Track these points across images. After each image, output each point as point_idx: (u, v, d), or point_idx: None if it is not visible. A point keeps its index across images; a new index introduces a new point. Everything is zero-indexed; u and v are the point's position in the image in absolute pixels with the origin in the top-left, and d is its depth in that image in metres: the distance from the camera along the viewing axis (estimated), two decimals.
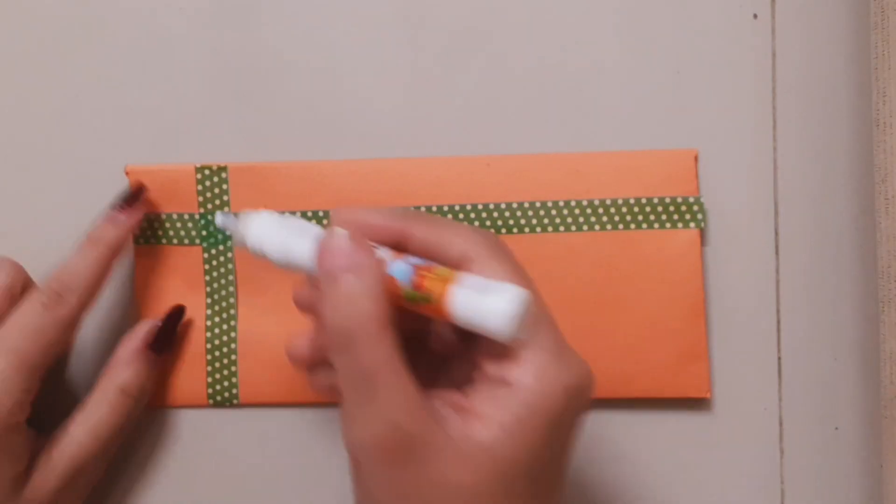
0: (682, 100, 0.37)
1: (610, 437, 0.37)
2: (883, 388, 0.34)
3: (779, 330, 0.37)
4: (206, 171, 0.36)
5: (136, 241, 0.37)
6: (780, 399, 0.37)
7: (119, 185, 0.37)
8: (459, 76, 0.38)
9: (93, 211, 0.37)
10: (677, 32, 0.37)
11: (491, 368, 0.27)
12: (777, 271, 0.38)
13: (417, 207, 0.36)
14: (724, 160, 0.37)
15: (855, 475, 0.37)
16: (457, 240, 0.28)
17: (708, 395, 0.36)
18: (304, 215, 0.36)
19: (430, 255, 0.29)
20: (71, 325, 0.33)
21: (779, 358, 0.37)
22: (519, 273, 0.28)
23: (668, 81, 0.37)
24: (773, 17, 0.38)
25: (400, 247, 0.29)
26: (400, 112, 0.38)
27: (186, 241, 0.37)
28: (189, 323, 0.37)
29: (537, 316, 0.27)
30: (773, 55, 0.38)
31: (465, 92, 0.38)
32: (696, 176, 0.36)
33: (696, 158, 0.36)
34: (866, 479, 0.37)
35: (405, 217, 0.29)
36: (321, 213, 0.36)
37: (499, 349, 0.27)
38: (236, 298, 0.37)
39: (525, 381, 0.26)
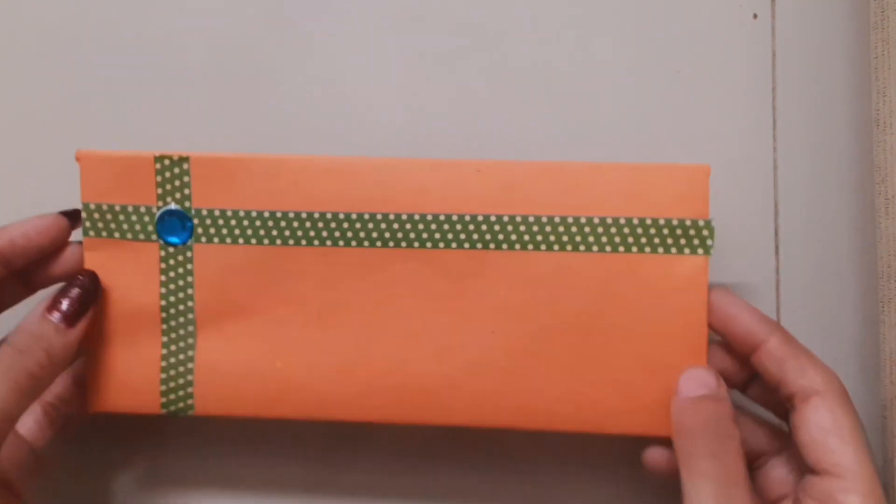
0: (681, 100, 0.37)
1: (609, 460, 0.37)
2: (883, 388, 0.34)
3: None
4: (166, 161, 0.33)
5: (86, 231, 0.34)
6: None
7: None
8: (452, 76, 0.38)
9: (46, 199, 0.36)
10: (677, 32, 0.37)
11: None
12: (777, 271, 0.37)
13: (399, 215, 0.33)
14: (724, 160, 0.37)
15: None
16: (809, 371, 0.31)
17: None
18: (272, 216, 0.33)
19: (773, 372, 0.32)
20: None
21: None
22: (856, 423, 0.30)
23: (667, 81, 0.37)
24: (773, 17, 0.38)
25: (747, 350, 0.32)
26: (391, 113, 0.38)
27: (142, 237, 0.34)
28: (143, 325, 0.34)
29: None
30: (773, 55, 0.38)
31: (457, 92, 0.38)
32: (708, 196, 0.33)
33: (707, 177, 0.33)
34: None
35: (769, 325, 0.32)
36: (291, 215, 0.33)
37: (823, 496, 0.30)
38: (195, 301, 0.34)
39: None
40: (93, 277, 0.33)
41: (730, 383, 0.34)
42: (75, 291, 0.33)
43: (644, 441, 0.34)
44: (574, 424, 0.33)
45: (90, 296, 0.33)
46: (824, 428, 0.30)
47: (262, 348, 0.33)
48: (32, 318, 0.32)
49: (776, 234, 0.38)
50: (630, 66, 0.37)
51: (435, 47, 0.38)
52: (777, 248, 0.38)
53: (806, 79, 0.37)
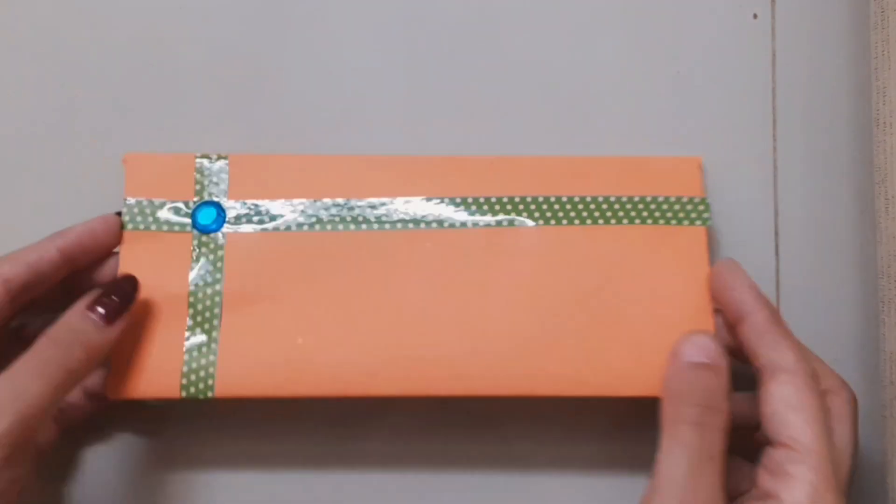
0: (681, 100, 0.37)
1: (614, 446, 0.37)
2: (883, 388, 0.34)
3: None
4: (206, 161, 0.36)
5: (125, 225, 0.36)
6: None
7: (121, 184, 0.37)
8: (453, 76, 0.38)
9: (93, 204, 0.36)
10: (677, 32, 0.38)
11: (765, 482, 0.30)
12: (777, 271, 0.38)
13: (419, 199, 0.36)
14: (724, 160, 0.37)
15: (856, 475, 0.37)
16: (783, 347, 0.31)
17: None
18: (301, 204, 0.36)
19: (751, 343, 0.32)
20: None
21: None
22: (819, 405, 0.30)
23: (668, 82, 0.37)
24: (773, 17, 0.38)
25: (734, 319, 0.33)
26: (401, 114, 0.38)
27: (177, 229, 0.36)
28: (170, 314, 0.35)
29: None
30: (773, 55, 0.38)
31: (457, 92, 0.38)
32: (701, 180, 0.36)
33: (699, 166, 0.36)
34: (867, 478, 0.37)
35: (762, 302, 0.32)
36: (319, 203, 0.36)
37: (775, 465, 0.30)
38: (223, 286, 0.35)
39: (796, 499, 0.29)
40: (133, 281, 0.34)
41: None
42: (117, 291, 0.33)
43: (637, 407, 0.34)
44: (590, 388, 0.35)
45: (130, 297, 0.33)
46: (787, 403, 0.30)
47: (284, 327, 0.35)
48: (73, 313, 0.32)
49: (776, 234, 0.38)
50: (630, 67, 0.37)
51: (436, 47, 0.38)
52: (777, 248, 0.38)
53: (806, 79, 0.37)
